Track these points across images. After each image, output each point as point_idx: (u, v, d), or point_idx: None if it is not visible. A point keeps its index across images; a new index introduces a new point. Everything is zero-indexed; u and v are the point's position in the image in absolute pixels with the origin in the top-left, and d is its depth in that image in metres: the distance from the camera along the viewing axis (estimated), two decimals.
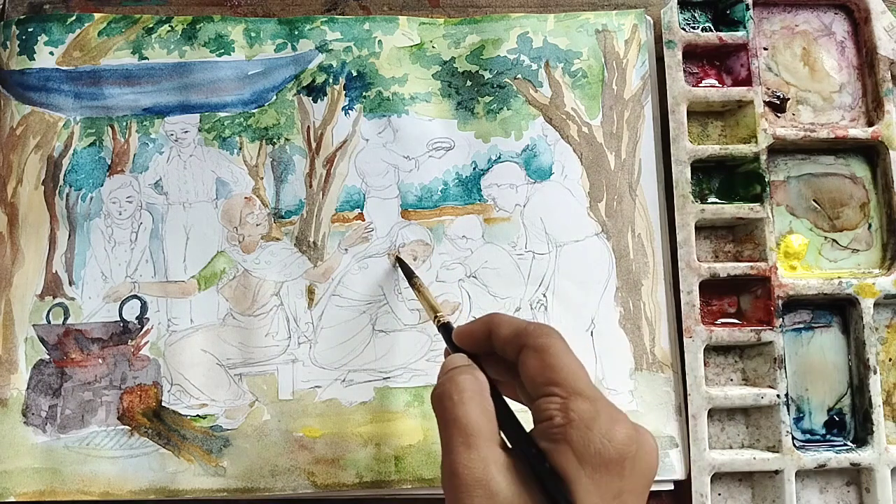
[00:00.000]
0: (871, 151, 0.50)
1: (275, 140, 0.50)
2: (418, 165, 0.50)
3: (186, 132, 0.49)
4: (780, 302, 0.47)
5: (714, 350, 0.48)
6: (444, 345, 0.38)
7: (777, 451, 0.45)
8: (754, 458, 0.45)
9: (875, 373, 0.46)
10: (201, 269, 0.48)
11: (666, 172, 0.50)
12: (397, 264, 0.48)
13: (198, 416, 0.46)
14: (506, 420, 0.31)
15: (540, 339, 0.31)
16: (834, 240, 0.50)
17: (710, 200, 0.50)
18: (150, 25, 0.50)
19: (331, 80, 0.50)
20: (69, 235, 0.48)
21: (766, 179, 0.48)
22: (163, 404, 0.46)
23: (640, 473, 0.28)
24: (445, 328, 0.38)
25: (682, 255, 0.47)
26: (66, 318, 0.47)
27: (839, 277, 0.48)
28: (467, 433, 0.29)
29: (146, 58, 0.50)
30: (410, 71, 0.51)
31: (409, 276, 0.46)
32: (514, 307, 0.48)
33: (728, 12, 0.51)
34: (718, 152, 0.49)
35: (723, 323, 0.48)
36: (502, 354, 0.33)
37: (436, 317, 0.40)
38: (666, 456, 0.45)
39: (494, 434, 0.30)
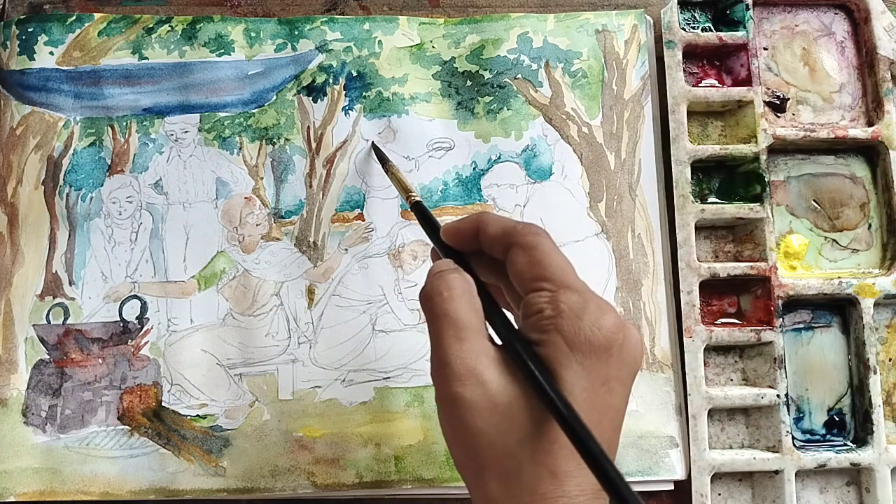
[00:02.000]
0: (871, 151, 0.50)
1: (275, 140, 0.50)
2: (418, 165, 0.50)
3: (186, 132, 0.49)
4: (780, 302, 0.47)
5: (714, 350, 0.48)
6: None
7: (777, 451, 0.45)
8: (754, 458, 0.45)
9: (875, 373, 0.46)
10: (201, 269, 0.48)
11: (666, 172, 0.50)
12: (372, 151, 0.49)
13: (198, 416, 0.46)
14: (494, 316, 0.31)
15: (528, 238, 0.31)
16: (834, 240, 0.50)
17: (710, 200, 0.50)
18: (150, 25, 0.50)
19: (331, 80, 0.50)
20: (69, 235, 0.48)
21: (766, 179, 0.48)
22: (163, 404, 0.46)
23: (626, 362, 0.29)
24: (417, 207, 0.39)
25: (682, 255, 0.47)
26: (66, 318, 0.47)
27: (839, 277, 0.48)
28: (458, 326, 0.30)
29: (146, 58, 0.50)
30: (410, 71, 0.51)
31: (384, 161, 0.47)
32: None
33: (728, 12, 0.51)
34: (718, 152, 0.49)
35: (723, 323, 0.48)
36: (490, 252, 0.33)
37: (408, 196, 0.41)
38: (666, 456, 0.45)
39: (483, 329, 0.31)
